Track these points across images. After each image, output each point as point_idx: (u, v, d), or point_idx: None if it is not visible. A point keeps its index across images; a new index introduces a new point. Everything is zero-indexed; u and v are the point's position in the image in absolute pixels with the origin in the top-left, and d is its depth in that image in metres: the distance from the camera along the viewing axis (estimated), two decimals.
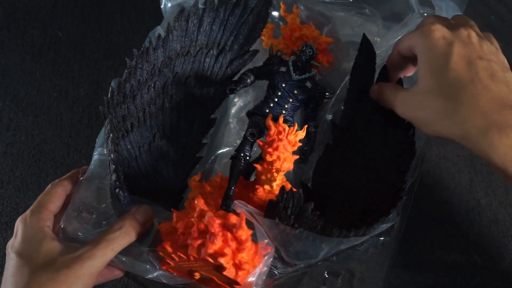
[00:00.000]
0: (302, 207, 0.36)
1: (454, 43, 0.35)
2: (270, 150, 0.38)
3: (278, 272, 0.41)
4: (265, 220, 0.38)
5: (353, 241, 0.38)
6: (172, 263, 0.38)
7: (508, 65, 0.37)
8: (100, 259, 0.35)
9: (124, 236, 0.37)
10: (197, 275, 0.40)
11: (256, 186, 0.40)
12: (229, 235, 0.34)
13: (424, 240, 0.51)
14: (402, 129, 0.42)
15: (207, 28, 0.47)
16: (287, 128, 0.39)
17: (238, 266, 0.35)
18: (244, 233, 0.34)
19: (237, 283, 0.36)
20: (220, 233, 0.34)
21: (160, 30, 0.48)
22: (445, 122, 0.34)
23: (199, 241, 0.34)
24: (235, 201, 0.38)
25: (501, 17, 0.63)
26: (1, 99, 0.60)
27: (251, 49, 0.49)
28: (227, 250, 0.34)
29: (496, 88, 0.34)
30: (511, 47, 0.61)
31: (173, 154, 0.44)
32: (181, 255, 0.35)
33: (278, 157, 0.39)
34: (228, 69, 0.48)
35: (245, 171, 0.42)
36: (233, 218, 0.34)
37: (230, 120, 0.49)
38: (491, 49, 0.37)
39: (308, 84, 0.44)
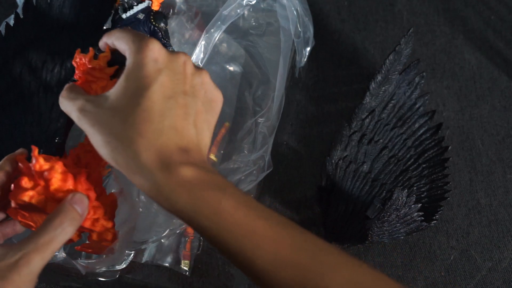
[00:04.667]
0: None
1: (163, 71, 0.33)
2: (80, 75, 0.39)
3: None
4: None
5: None
6: (32, 224, 0.38)
7: (212, 105, 0.36)
8: (39, 263, 0.31)
9: (65, 234, 0.33)
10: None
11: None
12: (33, 172, 0.35)
13: (424, 240, 0.51)
14: None
15: (58, 11, 0.49)
16: (84, 55, 0.38)
17: (55, 201, 0.35)
18: (43, 164, 0.35)
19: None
20: (26, 173, 0.35)
21: (12, 19, 0.49)
22: (119, 149, 0.32)
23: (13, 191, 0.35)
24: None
25: (501, 17, 0.63)
26: None
27: (105, 24, 0.50)
28: (36, 188, 0.35)
29: (183, 130, 0.33)
30: (511, 47, 0.61)
31: (37, 140, 0.45)
32: (17, 211, 0.36)
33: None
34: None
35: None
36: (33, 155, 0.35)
37: None
38: (200, 85, 0.35)
39: (140, 16, 0.45)
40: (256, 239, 0.32)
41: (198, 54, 0.49)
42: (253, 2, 0.52)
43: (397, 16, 0.63)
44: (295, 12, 0.53)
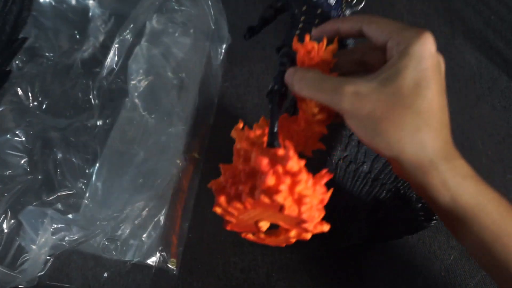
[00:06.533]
0: None
1: (437, 66, 0.33)
2: None
3: None
4: None
5: None
6: (233, 220, 0.36)
7: None
8: None
9: None
10: (262, 226, 0.38)
11: (300, 116, 0.37)
12: (280, 169, 0.31)
13: (424, 240, 0.51)
14: None
15: None
16: (315, 45, 0.35)
17: (298, 202, 0.32)
18: (295, 164, 0.31)
19: (304, 221, 0.34)
20: (271, 170, 0.31)
21: None
22: (403, 136, 0.32)
23: (249, 185, 0.32)
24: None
25: (501, 17, 0.63)
26: None
27: (19, 37, 0.51)
28: (282, 186, 0.31)
29: (448, 126, 0.34)
30: (511, 47, 0.61)
31: None
32: (237, 205, 0.33)
33: None
34: None
35: (292, 108, 0.40)
36: (280, 151, 0.32)
37: None
38: None
39: (331, 1, 0.41)
40: None
41: (112, 58, 0.49)
42: (166, 3, 0.52)
43: (397, 16, 0.63)
44: (207, 10, 0.52)
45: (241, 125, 0.37)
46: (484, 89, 0.59)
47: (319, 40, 0.36)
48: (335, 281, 0.49)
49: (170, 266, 0.49)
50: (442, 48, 0.61)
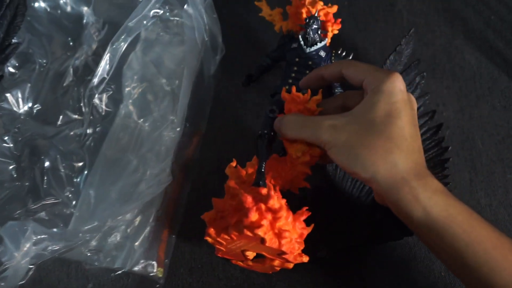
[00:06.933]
0: None
1: (407, 101, 0.37)
2: None
3: None
4: None
5: None
6: (223, 248, 0.40)
7: None
8: None
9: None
10: (249, 255, 0.42)
11: (287, 158, 0.41)
12: (263, 206, 0.35)
13: None
14: None
15: None
16: (301, 95, 0.40)
17: (279, 236, 0.36)
18: (276, 202, 0.36)
19: (284, 253, 0.38)
20: (254, 207, 0.35)
21: None
22: (376, 158, 0.35)
23: (235, 219, 0.36)
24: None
25: (501, 17, 0.63)
26: None
27: (12, 42, 0.51)
28: (264, 222, 0.35)
29: (422, 153, 0.38)
30: (511, 47, 0.61)
31: None
32: (224, 236, 0.37)
33: None
34: None
35: (282, 150, 0.44)
36: (263, 190, 0.36)
37: None
38: None
39: (322, 53, 0.46)
40: (505, 251, 0.35)
41: (104, 67, 0.49)
42: (160, 13, 0.52)
43: (397, 16, 0.63)
44: (201, 21, 0.52)
45: (234, 163, 0.41)
46: (484, 89, 0.59)
47: (306, 90, 0.41)
48: (336, 281, 0.49)
49: (157, 274, 0.48)
50: (442, 48, 0.61)
